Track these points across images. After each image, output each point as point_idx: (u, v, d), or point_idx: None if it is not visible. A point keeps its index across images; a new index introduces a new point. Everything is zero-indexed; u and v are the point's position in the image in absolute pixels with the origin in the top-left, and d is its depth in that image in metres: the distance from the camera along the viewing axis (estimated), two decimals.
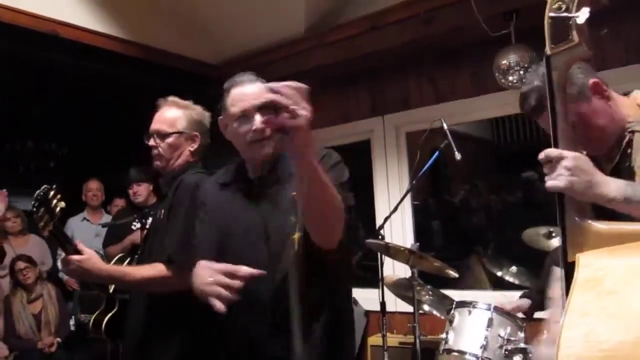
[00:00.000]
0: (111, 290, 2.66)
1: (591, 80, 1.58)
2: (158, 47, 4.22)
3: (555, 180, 1.30)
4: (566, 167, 1.29)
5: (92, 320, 2.70)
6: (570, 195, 1.32)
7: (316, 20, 4.14)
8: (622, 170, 1.52)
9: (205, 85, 4.71)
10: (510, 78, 3.29)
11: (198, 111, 2.30)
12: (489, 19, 3.30)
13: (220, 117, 1.81)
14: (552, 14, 1.30)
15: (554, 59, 1.31)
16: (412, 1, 3.63)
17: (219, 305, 1.43)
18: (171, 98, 2.30)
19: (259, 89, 1.71)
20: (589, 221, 1.29)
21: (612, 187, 1.32)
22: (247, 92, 1.73)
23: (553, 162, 1.30)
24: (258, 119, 1.68)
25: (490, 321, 2.50)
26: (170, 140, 2.20)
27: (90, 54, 3.89)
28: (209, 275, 1.49)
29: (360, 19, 3.91)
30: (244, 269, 1.46)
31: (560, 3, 1.28)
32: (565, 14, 1.27)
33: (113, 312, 2.66)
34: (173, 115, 2.24)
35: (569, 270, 1.25)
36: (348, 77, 4.36)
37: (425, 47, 3.84)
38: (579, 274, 1.21)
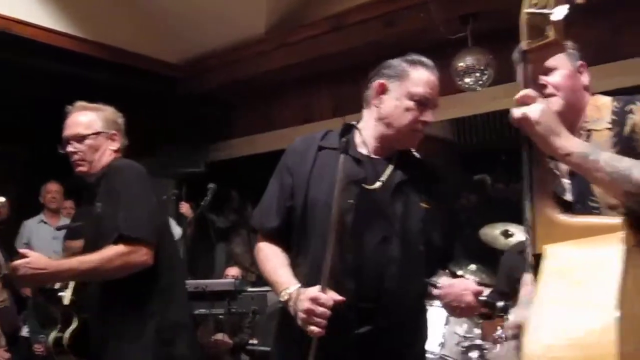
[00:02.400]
0: (66, 303, 2.53)
1: (580, 62, 1.62)
2: (118, 46, 4.16)
3: (528, 111, 1.33)
4: (540, 106, 1.33)
5: (52, 339, 2.54)
6: (539, 189, 1.36)
7: (277, 21, 4.14)
8: None
9: (166, 84, 4.67)
10: (467, 80, 3.36)
11: (111, 111, 2.22)
12: (448, 22, 3.36)
13: (384, 80, 1.69)
14: (529, 10, 1.33)
15: (529, 54, 1.35)
16: (373, 3, 3.67)
17: (317, 331, 1.46)
18: (79, 103, 2.20)
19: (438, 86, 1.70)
20: (557, 214, 1.34)
21: (573, 142, 1.36)
22: (434, 81, 1.69)
23: (522, 101, 1.35)
24: (431, 113, 1.67)
25: (448, 319, 2.55)
26: (89, 141, 2.13)
27: (47, 53, 3.80)
28: (303, 304, 1.49)
29: (321, 20, 3.93)
30: (332, 299, 1.47)
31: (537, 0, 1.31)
32: (541, 10, 1.30)
33: (73, 327, 2.53)
34: (87, 117, 2.17)
35: (537, 262, 1.30)
36: (310, 78, 4.38)
37: (386, 48, 3.87)
38: (547, 265, 1.26)
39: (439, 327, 2.54)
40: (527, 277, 1.89)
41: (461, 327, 2.54)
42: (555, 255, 1.27)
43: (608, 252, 1.21)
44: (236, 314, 3.43)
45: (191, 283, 3.31)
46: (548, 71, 1.57)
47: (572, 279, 1.22)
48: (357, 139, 1.71)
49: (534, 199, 1.36)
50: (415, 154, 1.80)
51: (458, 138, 5.94)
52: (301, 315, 1.49)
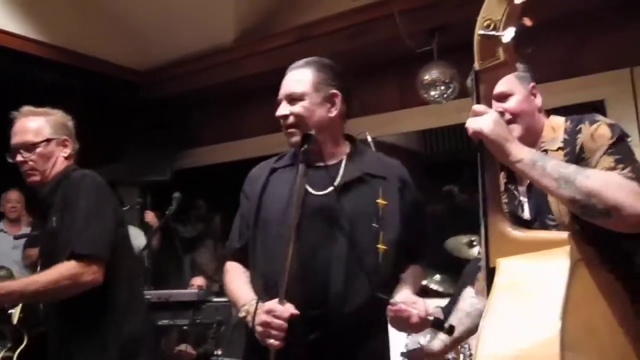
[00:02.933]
0: (15, 322, 2.44)
1: (532, 83, 1.69)
2: (82, 51, 4.10)
3: (479, 124, 1.39)
4: (491, 118, 1.39)
5: None
6: (492, 204, 1.40)
7: (245, 30, 4.14)
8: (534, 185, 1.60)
9: (132, 90, 4.62)
10: (433, 93, 3.41)
11: (60, 115, 2.13)
12: (413, 36, 3.41)
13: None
14: (481, 32, 1.37)
15: (481, 74, 1.40)
16: (340, 15, 3.70)
17: (275, 344, 1.48)
18: (26, 107, 2.09)
19: (293, 76, 1.78)
20: (509, 228, 1.39)
21: (523, 150, 1.41)
22: (285, 79, 1.81)
23: (475, 115, 1.41)
24: (282, 106, 1.73)
25: None
26: (40, 150, 2.03)
27: (8, 56, 3.72)
28: (260, 317, 1.52)
29: (289, 30, 3.95)
30: (289, 311, 1.50)
31: (489, 21, 1.36)
32: (492, 32, 1.35)
33: (22, 346, 2.38)
34: (35, 123, 2.05)
35: (491, 275, 1.34)
36: (277, 88, 4.36)
37: (353, 59, 3.91)
38: (499, 278, 1.31)
39: (402, 336, 2.55)
40: (466, 291, 1.94)
41: (424, 337, 2.55)
42: (507, 268, 1.32)
43: (555, 266, 1.26)
44: (200, 325, 3.38)
45: (154, 293, 3.27)
46: (503, 97, 1.63)
47: (522, 292, 1.26)
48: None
49: (487, 214, 1.40)
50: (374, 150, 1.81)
51: (425, 149, 6.02)
52: (258, 328, 1.51)
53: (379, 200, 1.66)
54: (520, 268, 1.31)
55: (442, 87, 3.36)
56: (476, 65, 1.40)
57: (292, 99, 1.72)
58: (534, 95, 1.68)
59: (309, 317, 1.55)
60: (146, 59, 4.49)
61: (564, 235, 1.32)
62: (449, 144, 5.80)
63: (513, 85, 1.63)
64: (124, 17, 4.14)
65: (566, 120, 1.60)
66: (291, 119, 1.69)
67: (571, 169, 1.38)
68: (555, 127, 1.62)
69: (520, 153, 1.40)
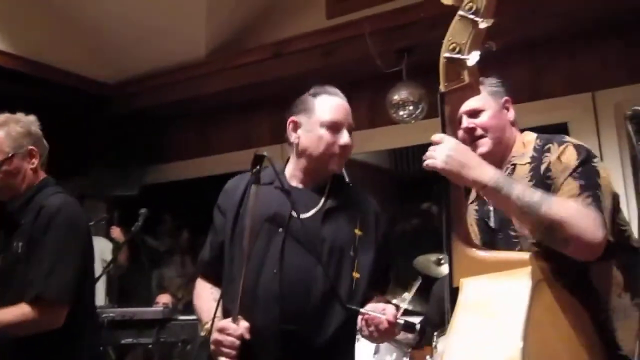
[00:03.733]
0: None
1: (505, 97, 1.74)
2: (50, 63, 4.02)
3: (433, 159, 1.42)
4: (444, 149, 1.42)
5: None
6: (456, 225, 1.42)
7: (218, 45, 4.14)
8: None
9: (100, 103, 4.55)
10: (401, 113, 3.45)
11: (21, 121, 2.01)
12: (384, 56, 3.45)
13: (294, 116, 1.77)
14: (446, 54, 1.40)
15: (446, 96, 1.43)
16: (313, 33, 3.73)
17: None
18: None
19: (348, 108, 1.77)
20: (473, 249, 1.41)
21: (487, 174, 1.42)
22: (341, 104, 1.76)
23: (434, 144, 1.44)
24: (347, 135, 1.72)
25: (377, 347, 2.56)
26: (5, 167, 1.92)
27: None
28: (213, 336, 1.55)
29: (262, 47, 3.96)
30: (242, 328, 1.52)
31: (454, 44, 1.39)
32: (458, 55, 1.38)
33: None
34: None
35: (454, 294, 1.36)
36: (249, 104, 4.38)
37: (325, 77, 3.93)
38: (462, 298, 1.33)
39: (369, 357, 2.55)
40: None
41: (391, 356, 2.56)
42: (470, 288, 1.35)
43: (517, 287, 1.29)
44: (165, 344, 3.32)
45: (118, 311, 3.21)
46: (475, 114, 1.67)
47: (485, 312, 1.29)
48: (288, 172, 1.81)
49: (450, 235, 1.42)
50: (349, 181, 1.87)
51: (394, 167, 6.07)
52: (211, 346, 1.54)
53: (356, 230, 1.72)
54: (483, 288, 1.33)
55: (411, 107, 3.40)
56: (441, 87, 1.44)
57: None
58: (507, 109, 1.72)
59: (284, 332, 1.58)
60: (117, 72, 4.44)
61: (525, 256, 1.35)
62: (418, 163, 5.84)
63: (485, 101, 1.67)
64: (94, 29, 4.09)
65: (537, 138, 1.65)
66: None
67: (535, 198, 1.39)
68: (526, 143, 1.66)
69: (484, 178, 1.41)
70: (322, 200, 1.74)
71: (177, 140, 4.90)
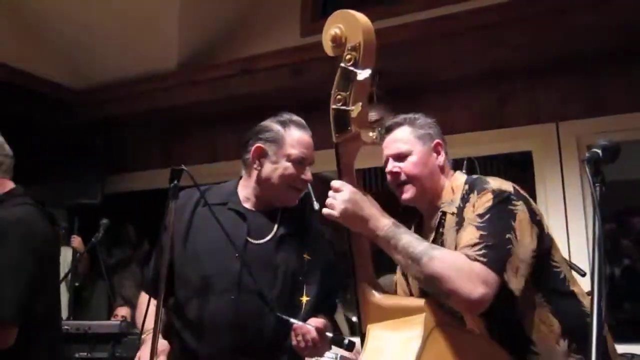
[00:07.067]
0: None
1: (436, 140, 1.69)
2: (14, 66, 3.92)
3: (331, 210, 1.44)
4: (342, 199, 1.43)
5: None
6: (360, 272, 1.45)
7: (189, 58, 4.11)
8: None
9: (63, 110, 4.45)
10: (371, 134, 3.45)
11: None
12: None
13: (261, 144, 1.77)
14: (334, 106, 1.44)
15: (339, 147, 1.48)
16: (283, 51, 3.74)
17: None
18: None
19: (312, 142, 1.83)
20: (374, 292, 1.44)
21: (380, 224, 1.44)
22: (308, 140, 1.80)
23: (333, 192, 1.45)
24: (309, 171, 1.76)
25: None
26: None
27: None
28: None
29: (232, 62, 3.95)
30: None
31: (340, 96, 1.43)
32: (343, 107, 1.42)
33: None
34: None
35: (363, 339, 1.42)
36: (216, 118, 4.35)
37: (295, 96, 3.94)
38: (367, 344, 1.39)
39: None
40: None
41: None
42: (372, 334, 1.40)
43: (411, 334, 1.34)
44: (121, 359, 3.24)
45: (72, 324, 3.13)
46: (401, 157, 1.66)
47: (384, 358, 1.35)
48: (242, 194, 1.82)
49: (356, 281, 1.45)
50: (316, 204, 1.87)
51: (364, 186, 6.08)
52: None
53: (305, 255, 1.76)
54: (382, 335, 1.38)
55: (381, 130, 3.42)
56: (334, 139, 1.47)
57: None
58: (438, 152, 1.67)
59: None
60: (83, 79, 4.37)
61: (421, 302, 1.39)
62: (385, 183, 5.89)
63: (411, 145, 1.65)
64: (62, 35, 4.03)
65: (465, 183, 1.60)
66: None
67: (419, 249, 1.38)
68: (455, 188, 1.61)
69: (377, 228, 1.43)
70: (275, 226, 1.77)
71: (143, 149, 4.83)
